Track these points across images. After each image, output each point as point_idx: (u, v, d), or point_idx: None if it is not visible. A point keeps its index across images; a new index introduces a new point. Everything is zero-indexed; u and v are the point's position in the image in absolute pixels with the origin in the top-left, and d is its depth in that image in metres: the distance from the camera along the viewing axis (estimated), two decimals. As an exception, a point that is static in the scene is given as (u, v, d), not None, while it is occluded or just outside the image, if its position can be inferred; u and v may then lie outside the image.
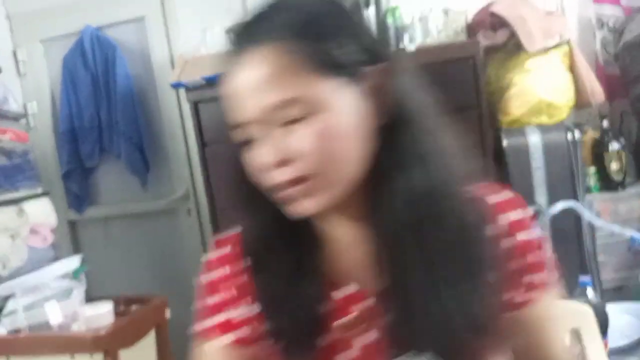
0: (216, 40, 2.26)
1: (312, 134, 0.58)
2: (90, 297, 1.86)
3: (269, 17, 0.61)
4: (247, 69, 0.59)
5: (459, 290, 0.60)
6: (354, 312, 0.66)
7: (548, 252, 0.69)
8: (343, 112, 0.59)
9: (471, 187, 0.65)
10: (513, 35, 1.83)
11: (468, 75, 1.68)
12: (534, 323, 0.69)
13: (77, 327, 1.65)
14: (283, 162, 0.59)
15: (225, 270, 0.73)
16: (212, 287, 0.73)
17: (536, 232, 0.69)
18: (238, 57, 0.60)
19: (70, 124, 2.58)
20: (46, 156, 2.65)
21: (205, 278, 0.74)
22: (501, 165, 1.80)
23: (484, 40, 1.80)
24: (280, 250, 0.68)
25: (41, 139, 2.64)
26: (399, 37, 1.89)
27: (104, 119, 2.56)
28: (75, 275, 1.86)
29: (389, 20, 1.92)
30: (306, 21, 0.59)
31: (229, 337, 0.72)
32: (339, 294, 0.67)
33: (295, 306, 0.65)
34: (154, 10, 2.53)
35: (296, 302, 0.65)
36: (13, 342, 1.70)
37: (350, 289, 0.67)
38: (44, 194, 2.14)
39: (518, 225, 0.67)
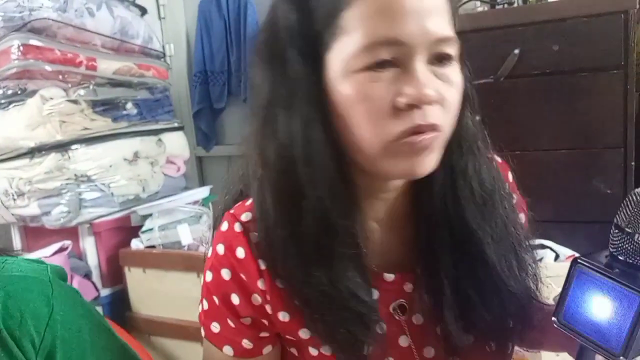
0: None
1: (458, 79, 0.55)
2: (215, 226, 2.01)
3: None
4: None
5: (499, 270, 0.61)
6: (398, 299, 0.64)
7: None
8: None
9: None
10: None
11: (617, 32, 1.55)
12: None
13: (204, 249, 1.81)
14: (438, 101, 0.53)
15: (231, 272, 0.62)
16: (218, 288, 0.63)
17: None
18: None
19: (202, 67, 2.74)
20: (180, 95, 2.85)
21: (211, 273, 0.63)
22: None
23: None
24: (308, 239, 0.57)
25: (176, 79, 2.84)
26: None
27: (234, 63, 2.69)
28: (204, 203, 2.02)
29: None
30: None
31: (230, 349, 0.64)
32: (383, 281, 0.63)
33: (343, 304, 0.57)
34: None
35: (342, 300, 0.57)
36: (149, 256, 1.89)
37: (390, 276, 0.63)
38: (180, 128, 2.33)
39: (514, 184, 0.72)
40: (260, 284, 0.60)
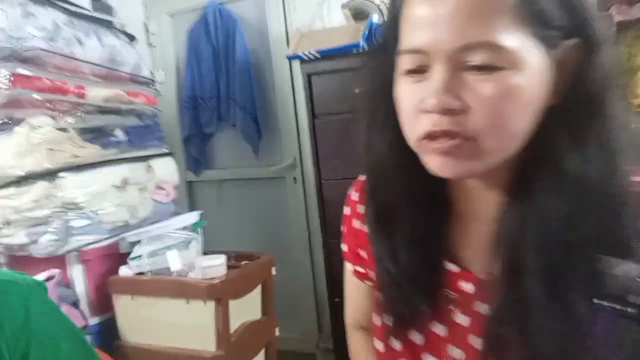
0: (332, 14, 2.31)
1: (497, 89, 0.50)
2: (205, 251, 2.00)
3: None
4: None
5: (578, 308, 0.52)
6: (457, 290, 0.64)
7: None
8: (532, 77, 0.51)
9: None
10: (651, 11, 1.69)
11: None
12: None
13: (194, 275, 1.80)
14: (451, 110, 0.52)
15: (348, 210, 0.79)
16: (344, 219, 0.80)
17: None
18: None
19: (192, 93, 2.77)
20: (169, 121, 2.87)
21: (347, 207, 0.79)
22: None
23: (617, 15, 1.68)
24: (403, 205, 0.63)
25: (166, 105, 2.86)
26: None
27: (223, 89, 2.72)
28: (194, 228, 2.01)
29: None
30: None
31: (350, 265, 0.81)
32: (449, 267, 0.64)
33: (408, 269, 0.63)
34: (274, -15, 2.64)
35: (409, 265, 0.63)
36: (138, 283, 1.87)
37: (455, 267, 0.64)
38: (169, 153, 2.33)
39: None
40: (355, 223, 0.76)
